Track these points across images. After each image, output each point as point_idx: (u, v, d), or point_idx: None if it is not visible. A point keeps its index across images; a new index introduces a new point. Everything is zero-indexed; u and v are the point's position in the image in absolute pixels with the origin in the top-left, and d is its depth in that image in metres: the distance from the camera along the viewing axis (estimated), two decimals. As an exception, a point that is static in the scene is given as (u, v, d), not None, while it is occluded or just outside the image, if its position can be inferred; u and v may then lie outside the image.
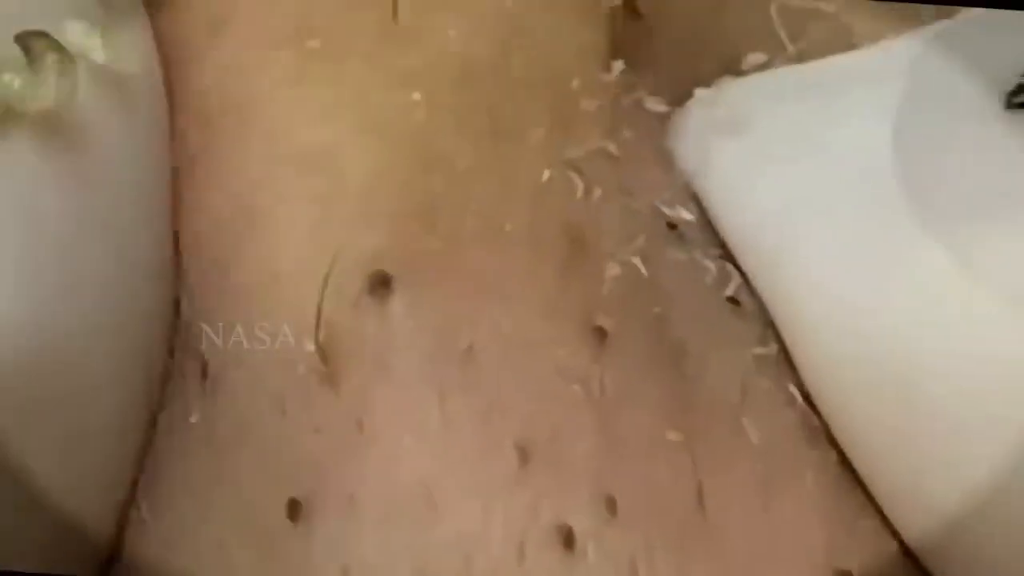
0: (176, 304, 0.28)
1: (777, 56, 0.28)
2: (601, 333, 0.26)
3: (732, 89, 0.29)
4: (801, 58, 0.28)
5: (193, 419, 0.27)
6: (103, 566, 0.26)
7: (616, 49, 0.28)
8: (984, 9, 0.27)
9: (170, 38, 0.29)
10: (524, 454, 0.25)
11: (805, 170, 0.27)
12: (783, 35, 0.29)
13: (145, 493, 0.26)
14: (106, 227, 0.26)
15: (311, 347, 0.26)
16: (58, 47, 0.25)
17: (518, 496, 0.25)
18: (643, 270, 0.26)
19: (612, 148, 0.27)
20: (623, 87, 0.28)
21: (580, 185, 0.27)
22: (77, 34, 0.26)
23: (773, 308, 0.27)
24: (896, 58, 0.27)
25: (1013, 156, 0.25)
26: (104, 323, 0.26)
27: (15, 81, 0.24)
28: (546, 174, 0.27)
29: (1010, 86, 0.25)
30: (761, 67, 0.28)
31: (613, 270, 0.26)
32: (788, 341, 0.26)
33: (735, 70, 0.29)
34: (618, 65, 0.28)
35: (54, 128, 0.25)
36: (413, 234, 0.26)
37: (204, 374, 0.27)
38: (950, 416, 0.24)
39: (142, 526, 0.26)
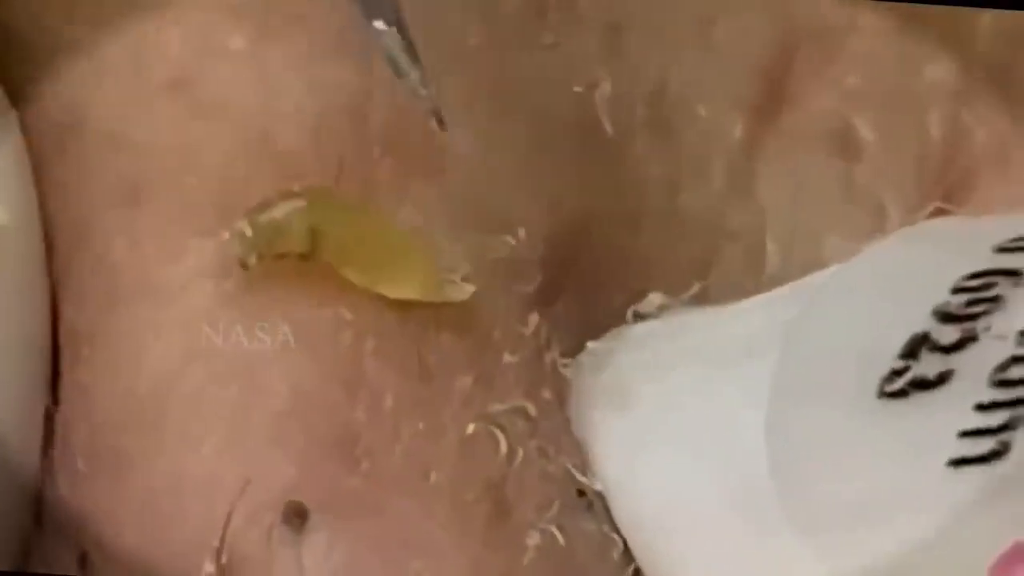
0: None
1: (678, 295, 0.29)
2: (524, 605, 0.25)
3: (620, 345, 0.28)
4: (701, 298, 0.29)
5: None
6: None
7: (534, 301, 0.28)
8: (870, 264, 0.27)
9: (74, 194, 0.27)
10: None
11: (683, 468, 0.27)
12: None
13: None
14: None
15: (210, 568, 0.24)
16: None
17: None
18: (560, 540, 0.26)
19: (531, 408, 0.27)
20: (545, 342, 0.27)
21: (504, 444, 0.26)
22: None
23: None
24: (774, 321, 0.27)
25: (883, 455, 0.25)
26: None
27: None
28: (471, 427, 0.26)
29: (884, 370, 0.25)
30: (661, 308, 0.28)
31: (534, 538, 0.26)
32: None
33: (635, 313, 0.28)
34: (534, 318, 0.27)
35: None
36: (333, 467, 0.25)
37: (83, 564, 0.24)
38: None
39: None
